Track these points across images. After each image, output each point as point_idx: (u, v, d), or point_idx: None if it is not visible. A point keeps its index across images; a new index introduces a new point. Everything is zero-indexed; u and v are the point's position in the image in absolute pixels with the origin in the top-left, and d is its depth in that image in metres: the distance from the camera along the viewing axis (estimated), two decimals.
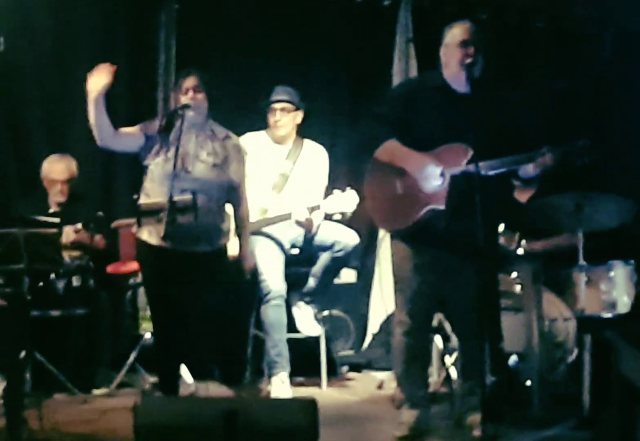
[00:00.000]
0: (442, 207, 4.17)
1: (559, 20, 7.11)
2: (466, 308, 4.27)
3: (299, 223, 5.46)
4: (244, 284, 4.94)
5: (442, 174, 4.20)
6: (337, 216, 5.44)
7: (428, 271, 4.35)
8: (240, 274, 4.90)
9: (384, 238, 5.88)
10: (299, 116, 5.74)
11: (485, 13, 6.73)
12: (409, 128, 4.29)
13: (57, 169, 5.84)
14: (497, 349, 4.67)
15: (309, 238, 5.60)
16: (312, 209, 5.42)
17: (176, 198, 4.42)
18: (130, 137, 4.68)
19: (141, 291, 5.63)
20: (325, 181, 5.75)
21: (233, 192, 4.78)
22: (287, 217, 5.42)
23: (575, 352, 5.08)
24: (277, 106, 5.68)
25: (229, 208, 4.90)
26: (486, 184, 4.07)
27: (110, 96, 5.55)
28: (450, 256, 4.30)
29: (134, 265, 5.47)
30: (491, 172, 4.16)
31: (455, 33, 4.28)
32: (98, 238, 5.79)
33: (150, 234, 4.56)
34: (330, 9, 6.80)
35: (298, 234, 5.64)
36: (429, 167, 4.20)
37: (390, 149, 4.29)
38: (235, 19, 6.63)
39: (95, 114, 4.45)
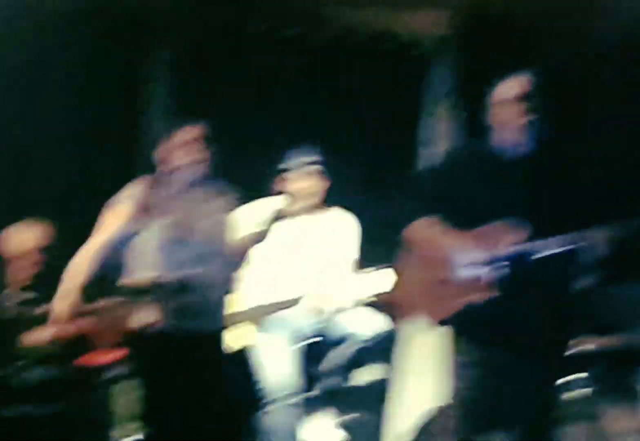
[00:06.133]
0: (489, 296, 4.03)
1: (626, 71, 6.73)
2: (521, 418, 4.14)
3: (309, 310, 5.21)
4: (247, 378, 4.84)
5: (486, 260, 4.06)
6: (372, 298, 5.24)
7: (476, 369, 4.18)
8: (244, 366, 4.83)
9: (419, 328, 5.53)
10: (326, 182, 5.50)
11: (541, 66, 6.26)
12: (453, 205, 4.18)
13: (25, 237, 5.57)
14: None
15: (326, 326, 5.32)
16: (331, 294, 5.19)
17: (169, 276, 4.39)
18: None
19: (121, 387, 5.25)
20: (355, 255, 5.48)
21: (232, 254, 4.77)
22: (294, 302, 5.18)
23: None
24: (310, 169, 5.42)
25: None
26: (541, 269, 4.02)
27: (88, 154, 6.09)
28: (500, 355, 4.13)
29: (112, 355, 5.20)
30: (544, 254, 4.04)
31: (509, 87, 4.16)
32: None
33: (145, 318, 4.51)
34: (352, 58, 6.60)
35: (312, 322, 5.34)
36: (466, 254, 4.10)
37: (422, 228, 4.21)
38: (241, 70, 6.47)
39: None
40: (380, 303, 5.23)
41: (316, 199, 5.47)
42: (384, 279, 5.04)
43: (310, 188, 5.43)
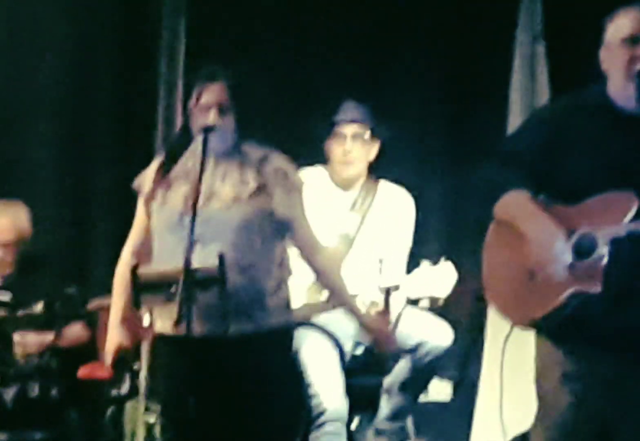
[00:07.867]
0: (594, 289, 3.44)
1: None
2: None
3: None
4: (290, 394, 4.19)
5: (591, 240, 3.52)
6: (425, 302, 4.86)
7: (585, 384, 3.61)
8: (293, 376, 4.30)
9: (497, 333, 5.07)
10: (374, 149, 5.05)
11: None
12: (555, 173, 3.69)
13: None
14: None
15: None
16: (388, 291, 4.68)
17: (195, 266, 3.70)
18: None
19: (128, 407, 4.99)
20: (408, 244, 5.05)
21: (288, 234, 4.07)
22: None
23: None
24: (348, 129, 4.96)
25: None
26: None
27: (94, 114, 5.82)
28: (617, 362, 3.56)
29: None
30: None
31: (620, 26, 3.58)
32: (67, 327, 5.17)
33: (162, 321, 3.95)
34: None
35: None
36: (557, 242, 3.58)
37: (510, 205, 3.70)
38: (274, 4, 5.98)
39: None
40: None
41: (360, 169, 5.02)
42: (442, 277, 4.72)
43: (351, 153, 4.97)
